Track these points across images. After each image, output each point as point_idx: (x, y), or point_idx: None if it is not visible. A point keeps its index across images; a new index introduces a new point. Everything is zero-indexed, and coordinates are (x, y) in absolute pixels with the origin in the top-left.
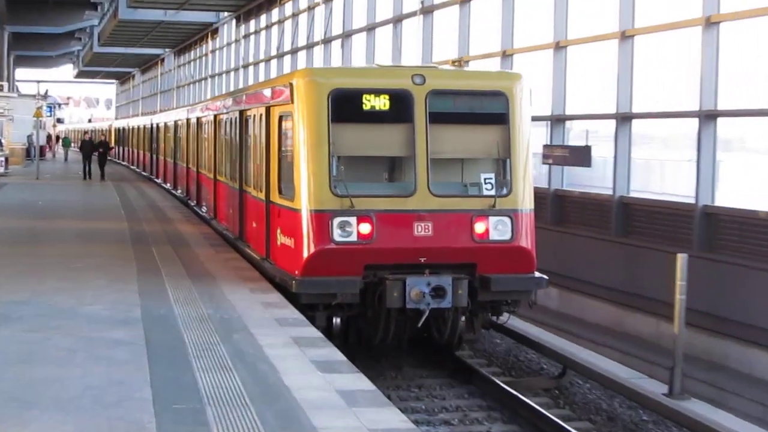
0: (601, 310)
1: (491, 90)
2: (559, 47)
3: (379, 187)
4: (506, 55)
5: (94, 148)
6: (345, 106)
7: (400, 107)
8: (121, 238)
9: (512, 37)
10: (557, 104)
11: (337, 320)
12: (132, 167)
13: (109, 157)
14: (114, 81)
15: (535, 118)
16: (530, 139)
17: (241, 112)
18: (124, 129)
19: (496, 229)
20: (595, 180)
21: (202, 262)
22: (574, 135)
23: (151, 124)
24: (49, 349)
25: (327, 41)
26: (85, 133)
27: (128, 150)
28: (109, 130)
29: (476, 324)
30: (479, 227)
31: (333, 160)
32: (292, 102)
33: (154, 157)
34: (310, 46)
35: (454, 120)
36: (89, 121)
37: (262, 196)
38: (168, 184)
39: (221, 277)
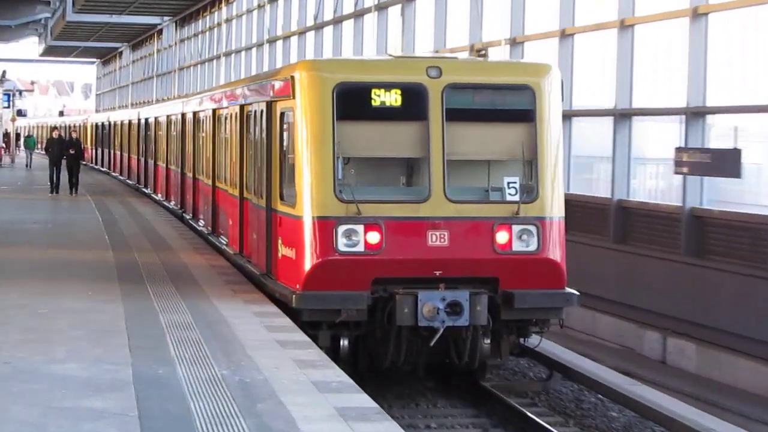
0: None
1: (516, 83)
2: (697, 14)
3: (390, 192)
4: (565, 35)
5: (64, 149)
6: (351, 102)
7: (414, 103)
8: (104, 273)
9: (573, 15)
10: (694, 93)
11: (345, 342)
12: (116, 175)
13: (83, 162)
14: (94, 60)
15: (665, 112)
16: (560, 138)
17: (242, 107)
18: (105, 125)
19: (521, 239)
20: (746, 196)
21: (213, 304)
22: (716, 134)
23: (140, 120)
24: (7, 424)
25: (338, 21)
26: (54, 129)
27: (112, 153)
28: (85, 127)
29: (503, 347)
30: (501, 237)
31: (338, 161)
32: (293, 97)
33: (147, 162)
34: (318, 27)
35: (474, 117)
36: (60, 113)
37: (263, 203)
38: (172, 203)
39: (240, 323)
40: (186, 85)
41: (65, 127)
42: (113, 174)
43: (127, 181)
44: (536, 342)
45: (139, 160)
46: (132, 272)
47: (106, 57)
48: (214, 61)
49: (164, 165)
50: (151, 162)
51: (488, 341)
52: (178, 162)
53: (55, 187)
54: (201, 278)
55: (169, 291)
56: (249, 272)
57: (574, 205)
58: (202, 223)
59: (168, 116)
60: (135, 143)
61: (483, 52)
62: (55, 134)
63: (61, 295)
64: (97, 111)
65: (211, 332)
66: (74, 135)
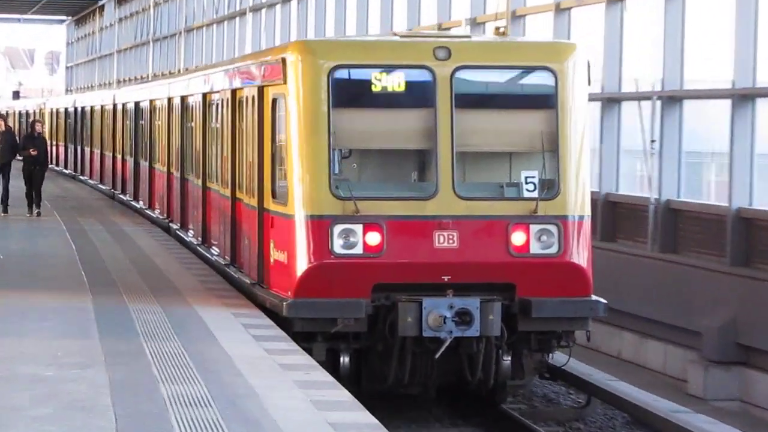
0: None
1: (535, 65)
2: None
3: (392, 188)
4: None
5: (20, 148)
6: (349, 88)
7: (419, 88)
8: (80, 325)
9: None
10: None
11: (345, 358)
12: (85, 179)
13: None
14: (64, 18)
15: None
16: (586, 126)
17: (233, 92)
18: (71, 113)
19: (539, 241)
20: None
21: (244, 375)
22: None
23: (115, 105)
24: None
25: None
26: (2, 117)
27: (81, 150)
28: (41, 114)
29: (525, 365)
30: (517, 238)
31: (334, 154)
32: (285, 82)
33: (129, 163)
34: None
35: (487, 104)
36: (15, 95)
37: (254, 202)
38: (157, 211)
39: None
40: (196, 53)
41: (22, 114)
42: (82, 178)
43: (116, 194)
44: (564, 360)
45: (122, 160)
46: (120, 323)
47: (80, 14)
48: (236, 19)
49: (156, 167)
50: (140, 163)
51: (508, 358)
52: (163, 160)
53: (2, 203)
54: (217, 327)
55: (173, 348)
56: (239, 284)
57: (686, 216)
58: (191, 233)
59: (153, 101)
60: (123, 138)
61: (502, 29)
62: (2, 126)
63: (19, 359)
64: (68, 91)
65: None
66: (39, 127)
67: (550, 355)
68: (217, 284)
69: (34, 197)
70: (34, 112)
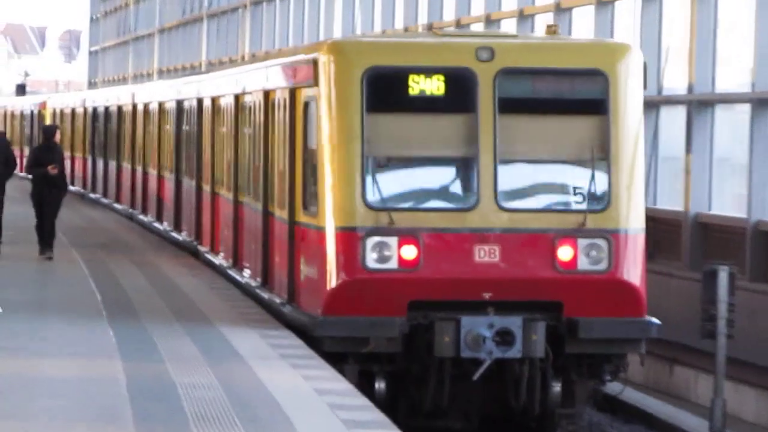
0: None
1: (585, 68)
2: None
3: (429, 198)
4: None
5: (12, 163)
6: (384, 91)
7: (460, 92)
8: (108, 406)
9: None
10: None
11: (381, 384)
12: (131, 213)
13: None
14: None
15: None
16: (641, 134)
17: (266, 94)
18: (87, 114)
19: (588, 256)
20: None
21: None
22: None
23: (146, 105)
24: None
25: None
26: None
27: (114, 167)
28: (39, 116)
29: (577, 392)
30: (564, 253)
31: (367, 161)
32: (317, 84)
33: (185, 186)
34: None
35: (533, 109)
36: (20, 90)
37: (285, 215)
38: (221, 256)
39: None
40: (266, 34)
41: (16, 116)
42: (118, 206)
43: (166, 229)
44: (620, 389)
45: (177, 182)
46: (164, 400)
47: None
48: None
49: (221, 192)
50: (200, 187)
51: (557, 384)
52: (191, 170)
53: None
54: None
55: None
56: (268, 305)
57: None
58: (222, 255)
59: (180, 102)
60: (172, 148)
61: (553, 27)
62: None
63: None
64: (91, 84)
65: None
66: (51, 129)
67: (604, 383)
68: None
69: (47, 233)
70: (32, 114)
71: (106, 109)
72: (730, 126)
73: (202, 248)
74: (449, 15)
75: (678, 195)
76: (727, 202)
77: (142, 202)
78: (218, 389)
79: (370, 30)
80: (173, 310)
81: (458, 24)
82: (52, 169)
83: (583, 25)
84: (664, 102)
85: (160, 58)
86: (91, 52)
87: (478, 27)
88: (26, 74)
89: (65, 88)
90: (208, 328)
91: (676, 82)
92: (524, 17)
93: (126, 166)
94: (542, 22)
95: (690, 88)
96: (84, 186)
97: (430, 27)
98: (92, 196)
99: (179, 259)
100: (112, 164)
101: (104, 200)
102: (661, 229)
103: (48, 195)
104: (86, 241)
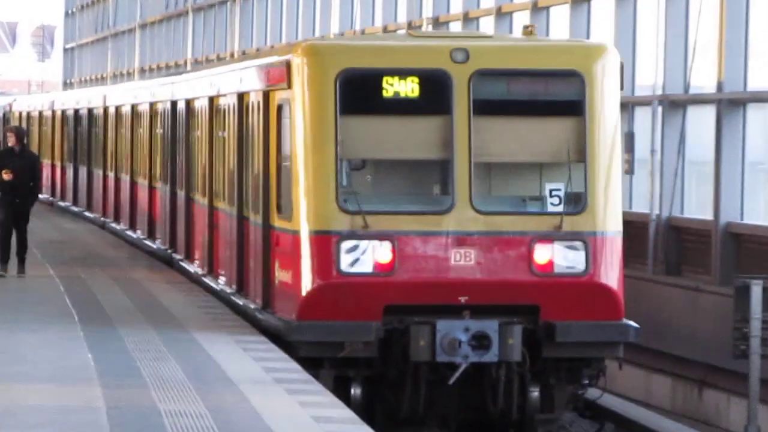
0: None
1: (561, 69)
2: None
3: (404, 201)
4: None
5: None
6: (358, 93)
7: (435, 94)
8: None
9: None
10: None
11: (357, 390)
12: (103, 221)
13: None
14: None
15: None
16: (617, 135)
17: (240, 97)
18: (55, 117)
19: (565, 259)
20: None
21: None
22: None
23: (118, 108)
24: None
25: None
26: None
27: (92, 175)
28: (4, 120)
29: (556, 397)
30: (541, 255)
31: (342, 164)
32: (290, 86)
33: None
34: None
35: (509, 110)
36: None
37: (260, 219)
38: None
39: None
40: (257, 30)
41: None
42: (89, 215)
43: (147, 243)
44: (598, 394)
45: (150, 188)
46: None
47: None
48: None
49: (196, 198)
50: (175, 193)
51: (536, 389)
52: (164, 175)
53: None
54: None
55: None
56: (243, 312)
57: None
58: (197, 263)
59: (154, 104)
60: (159, 155)
61: (530, 27)
62: None
63: None
64: (66, 84)
65: None
66: (12, 139)
67: (584, 387)
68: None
69: (16, 246)
70: (4, 117)
71: (76, 112)
72: (765, 127)
73: (177, 256)
74: (428, 13)
75: (707, 203)
76: (762, 210)
77: (114, 209)
78: (207, 417)
79: (355, 27)
80: (153, 326)
81: (436, 22)
82: (5, 174)
83: (560, 23)
84: (691, 102)
85: (142, 55)
86: (66, 50)
87: (456, 25)
88: None
89: (38, 88)
90: (191, 345)
91: (704, 80)
92: (502, 15)
93: (97, 172)
94: (520, 20)
95: (719, 86)
96: (53, 194)
97: (409, 25)
98: (62, 204)
99: (156, 272)
100: (83, 171)
101: (74, 208)
102: (689, 239)
103: (20, 209)
104: (60, 255)
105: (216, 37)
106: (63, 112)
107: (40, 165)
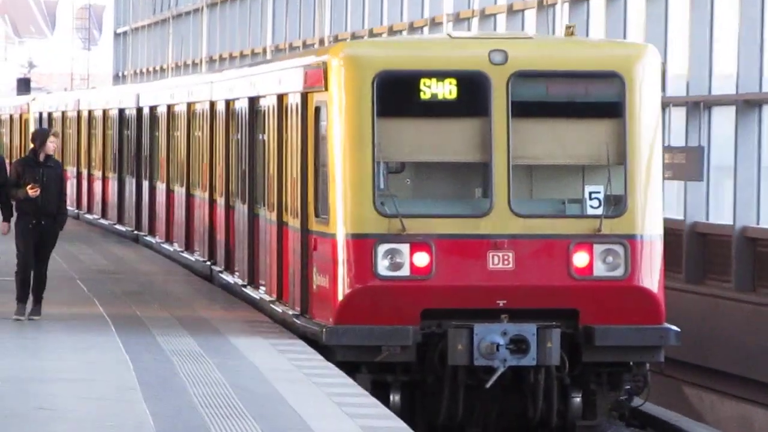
0: None
1: (601, 71)
2: None
3: (442, 205)
4: None
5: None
6: (395, 95)
7: (473, 96)
8: None
9: None
10: None
11: (396, 397)
12: (137, 234)
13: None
14: None
15: None
16: (658, 137)
17: (280, 98)
18: (103, 118)
19: (605, 263)
20: None
21: None
22: None
23: (153, 109)
24: None
25: None
26: None
27: (123, 183)
28: (22, 121)
29: (598, 403)
30: (580, 259)
31: (379, 167)
32: (326, 88)
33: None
34: None
35: (548, 112)
36: (23, 86)
37: (298, 224)
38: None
39: None
40: (353, 13)
41: (3, 121)
42: (120, 228)
43: (164, 245)
44: (641, 400)
45: (188, 196)
46: None
47: None
48: None
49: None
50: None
51: (577, 395)
52: (205, 183)
53: None
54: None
55: None
56: (281, 320)
57: None
58: (237, 274)
59: (192, 104)
60: (171, 159)
61: (571, 27)
62: None
63: None
64: (118, 78)
65: None
66: (50, 145)
67: (627, 395)
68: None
69: (34, 281)
70: (12, 118)
71: (105, 113)
72: None
73: (216, 268)
74: (475, 5)
75: None
76: None
77: (149, 221)
78: None
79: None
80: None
81: (482, 14)
82: (31, 190)
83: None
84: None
85: (210, 42)
86: (117, 35)
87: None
88: (31, 65)
89: (83, 83)
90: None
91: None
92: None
93: (129, 180)
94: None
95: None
96: (78, 206)
97: (432, 21)
98: (88, 216)
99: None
100: (113, 179)
101: (103, 222)
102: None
103: (40, 228)
104: (104, 290)
105: (302, 21)
106: (90, 113)
107: (63, 178)
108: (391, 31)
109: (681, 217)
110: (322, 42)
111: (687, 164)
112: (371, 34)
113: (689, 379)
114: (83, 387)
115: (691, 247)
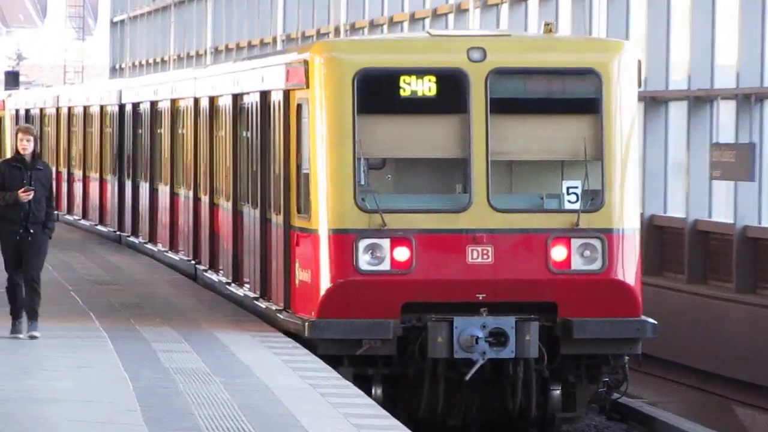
0: None
1: (578, 67)
2: None
3: (421, 200)
4: None
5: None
6: (376, 92)
7: (452, 93)
8: None
9: None
10: None
11: (378, 390)
12: (119, 235)
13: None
14: None
15: None
16: (634, 133)
17: (263, 95)
18: (84, 116)
19: (582, 256)
20: None
21: None
22: None
23: (136, 106)
24: None
25: None
26: None
27: (104, 183)
28: (21, 120)
29: (578, 396)
30: (558, 253)
31: (359, 163)
32: (308, 86)
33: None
34: None
35: (525, 108)
36: (11, 79)
37: (281, 220)
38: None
39: None
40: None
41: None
42: (102, 229)
43: (147, 245)
44: (620, 393)
45: (172, 194)
46: None
47: None
48: None
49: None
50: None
51: (557, 388)
52: (189, 182)
53: None
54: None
55: None
56: (264, 315)
57: None
58: (222, 272)
59: (175, 101)
60: (154, 156)
61: (550, 25)
62: None
63: None
64: (115, 70)
65: None
66: (28, 143)
67: (605, 386)
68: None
69: (26, 296)
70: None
71: (86, 109)
72: None
73: (200, 267)
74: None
75: None
76: None
77: (132, 221)
78: None
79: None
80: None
81: (434, 14)
82: (23, 193)
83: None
84: None
85: (216, 32)
86: (114, 24)
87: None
88: (19, 57)
89: (77, 76)
90: None
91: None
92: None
93: (111, 180)
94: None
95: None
96: (58, 207)
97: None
98: (68, 218)
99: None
100: (95, 178)
101: (84, 222)
102: None
103: (25, 237)
104: (100, 302)
105: (316, 8)
106: (69, 110)
107: (52, 182)
108: (372, 26)
109: (731, 221)
110: (337, 31)
111: (736, 163)
112: (352, 28)
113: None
114: (79, 408)
115: (741, 254)
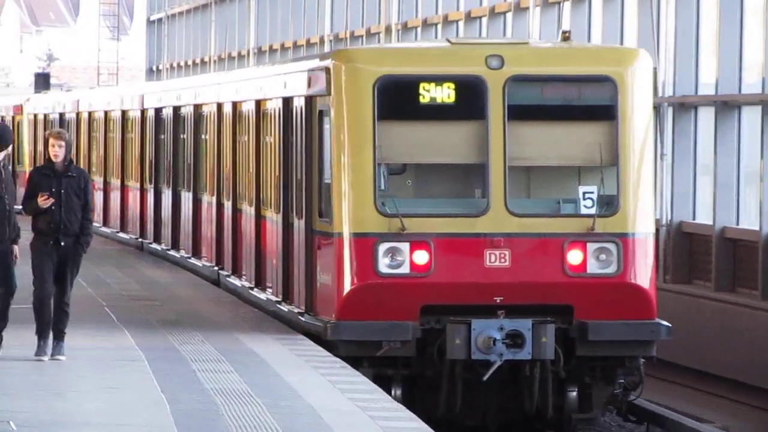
0: None
1: (594, 75)
2: None
3: (440, 204)
4: None
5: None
6: (396, 99)
7: (470, 99)
8: None
9: None
10: None
11: (398, 391)
12: (141, 242)
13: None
14: None
15: None
16: (649, 139)
17: (286, 101)
18: (105, 120)
19: (598, 260)
20: None
21: None
22: None
23: (159, 111)
24: None
25: None
26: None
27: (126, 190)
28: (15, 124)
29: (594, 397)
30: (574, 257)
31: (380, 168)
32: (329, 93)
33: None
34: None
35: (542, 115)
36: (41, 81)
37: (303, 224)
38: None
39: None
40: None
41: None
42: (123, 236)
43: (170, 252)
44: (636, 393)
45: (196, 200)
46: None
47: None
48: None
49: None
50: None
51: (573, 389)
52: (212, 187)
53: None
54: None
55: None
56: (286, 318)
57: None
58: (245, 277)
59: (198, 106)
60: (177, 162)
61: (567, 33)
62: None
63: None
64: (152, 72)
65: None
66: (58, 149)
67: (621, 388)
68: None
69: (54, 315)
70: (3, 120)
71: (107, 114)
72: None
73: (223, 272)
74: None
75: None
76: None
77: (154, 227)
78: None
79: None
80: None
81: (446, 20)
82: (42, 200)
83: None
84: None
85: (260, 31)
86: (150, 22)
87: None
88: (50, 58)
89: (111, 78)
90: None
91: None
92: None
93: (132, 186)
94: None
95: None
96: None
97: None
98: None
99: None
100: (115, 185)
101: (104, 229)
102: None
103: (61, 249)
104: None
105: (366, 7)
106: (90, 115)
107: (91, 185)
108: (425, 25)
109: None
110: (388, 30)
111: None
112: (404, 27)
113: None
114: None
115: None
